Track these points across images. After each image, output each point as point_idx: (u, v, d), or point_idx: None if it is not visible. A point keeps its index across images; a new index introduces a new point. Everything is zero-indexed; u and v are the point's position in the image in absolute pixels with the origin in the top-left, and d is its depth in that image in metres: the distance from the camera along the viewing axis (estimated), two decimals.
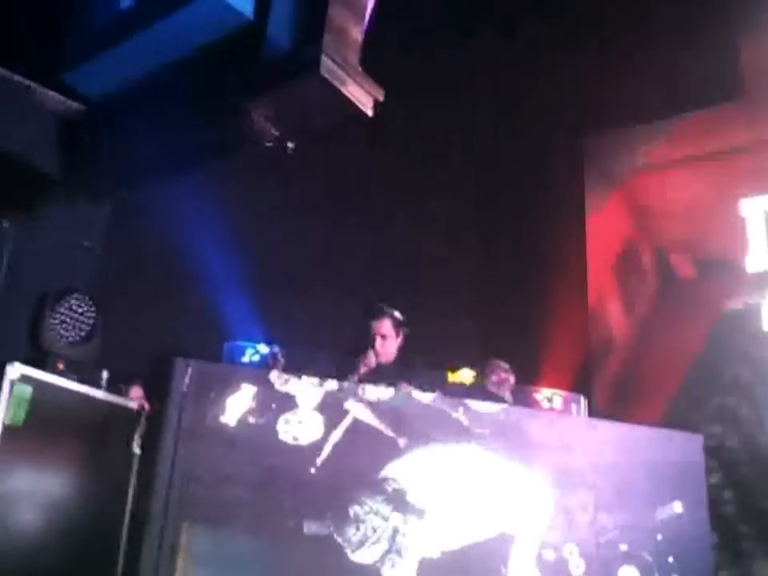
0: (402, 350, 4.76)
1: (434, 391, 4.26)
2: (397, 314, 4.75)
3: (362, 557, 3.52)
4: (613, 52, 5.66)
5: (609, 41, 5.66)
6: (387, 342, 4.67)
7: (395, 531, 3.53)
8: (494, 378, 5.03)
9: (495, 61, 5.80)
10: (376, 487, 3.58)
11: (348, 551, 3.52)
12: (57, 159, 4.25)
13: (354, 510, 3.55)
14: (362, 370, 4.43)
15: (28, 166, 4.18)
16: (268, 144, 4.02)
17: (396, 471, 3.62)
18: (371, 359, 4.52)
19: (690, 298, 5.83)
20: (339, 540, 3.51)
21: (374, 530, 3.52)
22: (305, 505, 3.58)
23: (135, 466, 3.96)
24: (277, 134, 4.04)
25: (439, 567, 3.50)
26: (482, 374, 5.24)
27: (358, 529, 3.53)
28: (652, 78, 5.73)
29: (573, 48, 5.69)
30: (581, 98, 5.81)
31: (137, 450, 3.97)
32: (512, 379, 5.05)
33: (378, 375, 4.41)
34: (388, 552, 3.52)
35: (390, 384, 4.23)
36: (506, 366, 5.08)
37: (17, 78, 4.05)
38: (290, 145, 4.04)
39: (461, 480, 3.63)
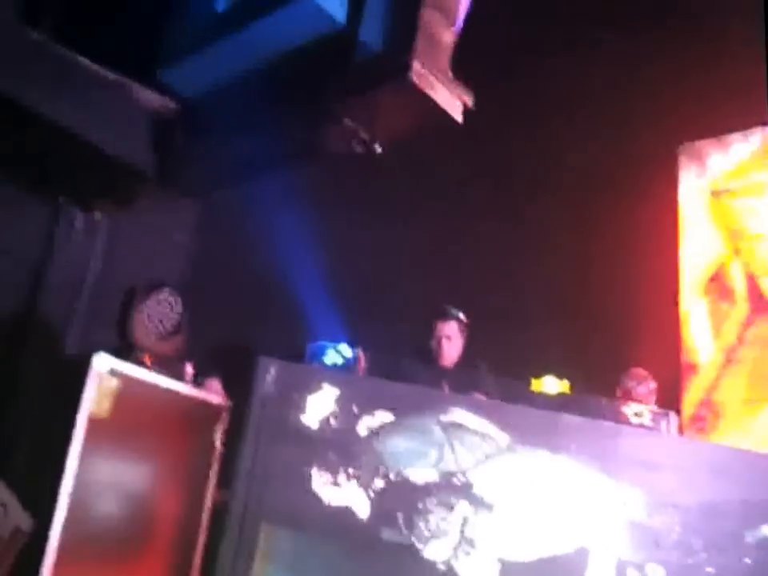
0: (464, 353, 4.76)
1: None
2: (462, 316, 4.75)
3: (434, 552, 3.47)
4: (712, 58, 5.49)
5: (708, 46, 5.49)
6: (452, 344, 4.67)
7: (464, 520, 3.46)
8: (642, 389, 4.88)
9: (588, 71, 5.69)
10: (444, 481, 3.52)
11: (421, 549, 3.47)
12: (150, 155, 4.36)
13: (422, 503, 3.50)
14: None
15: (122, 161, 4.29)
16: (357, 147, 4.02)
17: (473, 472, 3.56)
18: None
19: None
20: (413, 540, 3.47)
21: (443, 520, 3.47)
22: (383, 510, 3.54)
23: (216, 462, 4.01)
24: (366, 137, 4.04)
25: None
26: (621, 386, 5.08)
27: (427, 521, 3.48)
28: (749, 86, 5.52)
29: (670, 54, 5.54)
30: (678, 109, 5.64)
31: (218, 446, 4.01)
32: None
33: (444, 380, 4.40)
34: (459, 544, 3.46)
35: (456, 391, 4.22)
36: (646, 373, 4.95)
37: (115, 76, 4.15)
38: (378, 149, 4.04)
39: (539, 487, 3.53)
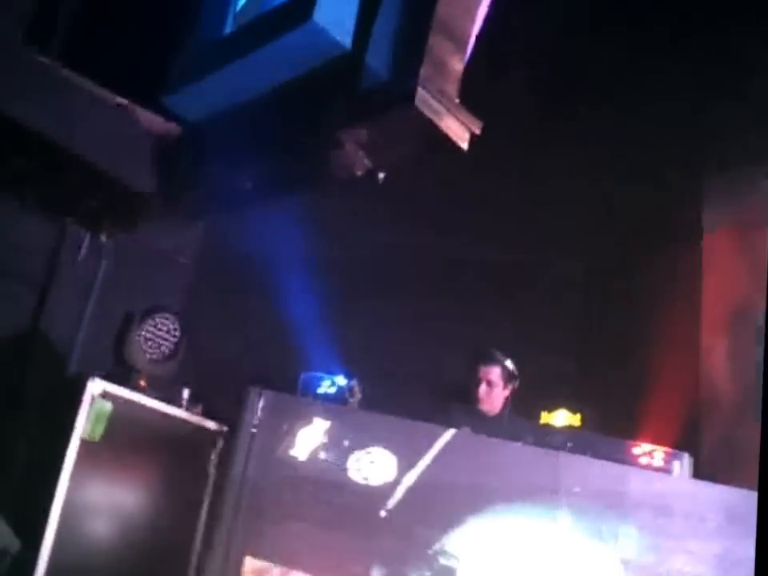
0: (508, 406, 4.54)
1: None
2: (509, 363, 4.52)
3: None
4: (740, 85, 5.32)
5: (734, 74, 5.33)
6: (493, 390, 4.43)
7: None
8: None
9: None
10: (427, 559, 3.41)
11: None
12: (154, 178, 4.37)
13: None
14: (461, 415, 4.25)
15: (126, 184, 4.31)
16: (359, 174, 3.97)
17: (458, 538, 3.43)
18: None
19: None
20: None
21: None
22: (372, 549, 3.45)
23: (210, 486, 3.97)
24: (369, 164, 3.99)
25: None
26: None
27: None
28: None
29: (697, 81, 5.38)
30: (707, 143, 5.48)
31: (212, 470, 3.97)
32: None
33: (482, 427, 4.12)
34: None
35: None
36: None
37: (120, 99, 4.17)
38: (380, 175, 3.98)
39: (533, 550, 3.39)
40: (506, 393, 4.51)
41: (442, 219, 5.62)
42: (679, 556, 3.37)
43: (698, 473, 5.04)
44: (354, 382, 4.00)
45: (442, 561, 3.40)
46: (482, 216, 5.68)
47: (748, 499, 3.56)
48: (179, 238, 4.87)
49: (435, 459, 3.55)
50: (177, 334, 4.14)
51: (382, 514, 3.49)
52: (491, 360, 4.47)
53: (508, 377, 4.50)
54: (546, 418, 5.06)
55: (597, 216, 5.98)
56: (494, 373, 4.45)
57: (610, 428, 4.80)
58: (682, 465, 4.85)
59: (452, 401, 4.43)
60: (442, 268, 5.73)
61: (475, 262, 5.79)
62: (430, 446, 3.56)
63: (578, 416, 5.05)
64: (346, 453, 3.56)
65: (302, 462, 3.55)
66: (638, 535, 3.42)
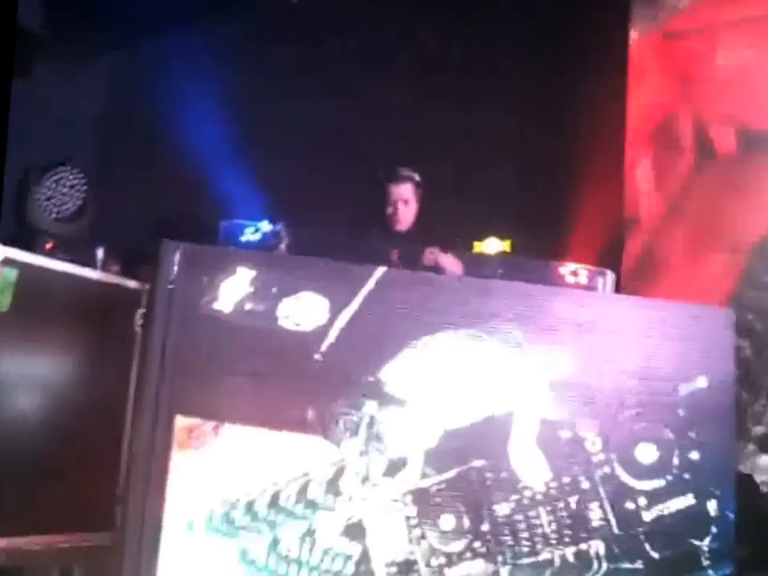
0: (418, 217, 4.62)
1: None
2: (416, 176, 4.59)
3: (345, 451, 3.37)
4: None
5: None
6: (408, 207, 4.53)
7: (371, 419, 3.36)
8: None
9: None
10: (364, 392, 3.40)
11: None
12: (47, 15, 3.95)
13: (336, 413, 3.39)
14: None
15: (10, 23, 3.89)
16: None
17: (392, 369, 3.42)
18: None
19: (729, 175, 5.42)
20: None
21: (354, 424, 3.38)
22: (307, 392, 3.40)
23: (138, 347, 3.84)
24: None
25: (438, 451, 3.34)
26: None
27: (337, 425, 3.37)
28: None
29: None
30: None
31: (138, 330, 3.84)
32: None
33: (395, 248, 4.27)
34: (367, 440, 3.35)
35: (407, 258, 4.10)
36: None
37: None
38: None
39: (460, 366, 3.42)
40: (416, 206, 4.60)
41: (367, 55, 5.32)
42: (601, 367, 3.43)
43: (621, 288, 5.19)
44: (280, 226, 3.86)
45: (378, 391, 3.39)
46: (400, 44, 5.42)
47: (668, 308, 3.67)
48: (79, 84, 4.46)
49: (367, 298, 3.47)
50: (83, 189, 3.85)
51: (316, 356, 3.43)
52: (401, 179, 4.52)
53: (417, 190, 4.58)
54: (477, 247, 5.09)
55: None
56: (407, 190, 4.52)
57: (542, 252, 4.86)
58: (605, 282, 5.03)
59: (369, 226, 4.50)
60: (362, 104, 5.48)
61: (398, 91, 5.56)
62: (361, 285, 3.47)
63: (508, 242, 5.08)
64: (275, 300, 3.43)
65: (227, 314, 3.40)
66: (565, 353, 3.43)
